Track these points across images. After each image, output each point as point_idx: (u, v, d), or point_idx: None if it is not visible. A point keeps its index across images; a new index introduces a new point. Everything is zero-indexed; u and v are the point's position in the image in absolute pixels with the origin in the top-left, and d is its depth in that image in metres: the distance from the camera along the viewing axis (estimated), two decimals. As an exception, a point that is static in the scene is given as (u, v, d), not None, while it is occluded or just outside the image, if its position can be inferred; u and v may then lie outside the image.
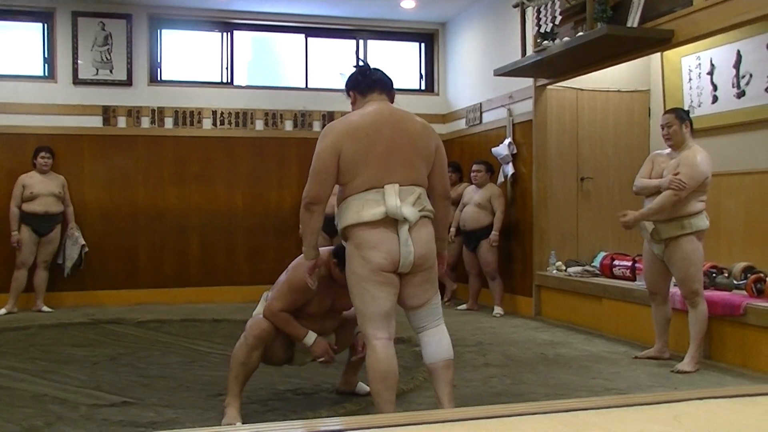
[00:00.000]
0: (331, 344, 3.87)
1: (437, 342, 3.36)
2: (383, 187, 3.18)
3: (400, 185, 3.19)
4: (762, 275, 5.05)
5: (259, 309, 3.89)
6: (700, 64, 6.42)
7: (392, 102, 3.46)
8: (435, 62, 9.37)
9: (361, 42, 9.25)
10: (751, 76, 5.93)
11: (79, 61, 8.27)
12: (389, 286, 3.22)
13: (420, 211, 3.22)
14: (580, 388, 4.38)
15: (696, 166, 4.71)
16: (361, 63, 3.49)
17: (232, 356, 3.76)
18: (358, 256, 3.21)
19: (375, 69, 3.48)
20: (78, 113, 8.24)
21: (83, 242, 7.87)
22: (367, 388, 4.15)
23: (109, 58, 8.36)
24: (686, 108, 6.38)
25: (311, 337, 3.76)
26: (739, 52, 6.02)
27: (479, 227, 7.30)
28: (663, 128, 4.93)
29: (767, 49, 5.75)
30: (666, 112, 5.07)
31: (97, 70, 8.33)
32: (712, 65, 6.29)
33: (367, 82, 3.40)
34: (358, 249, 3.22)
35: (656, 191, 4.84)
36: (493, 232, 7.27)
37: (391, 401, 3.23)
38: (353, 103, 3.48)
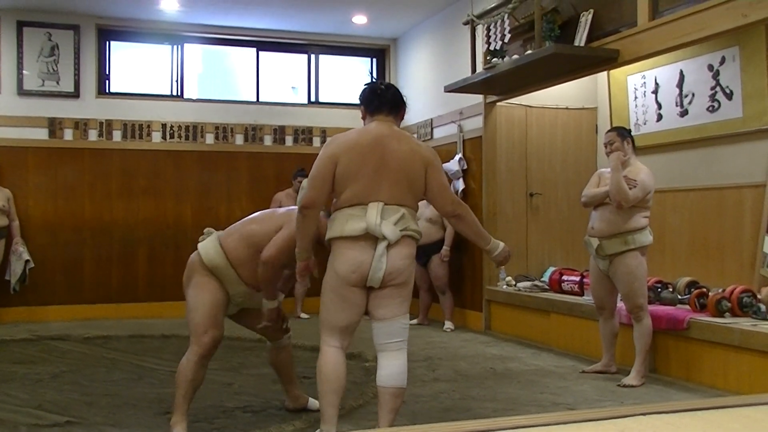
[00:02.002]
0: (282, 311, 3.81)
1: (393, 367, 3.36)
2: (368, 204, 3.28)
3: (385, 204, 3.28)
4: (705, 290, 5.17)
5: (209, 246, 3.76)
6: (645, 82, 6.57)
7: (401, 118, 3.55)
8: (386, 78, 9.39)
9: (312, 56, 9.25)
10: (693, 95, 6.09)
11: (24, 72, 8.10)
12: (353, 305, 3.34)
13: (402, 230, 3.29)
14: (528, 402, 4.41)
15: (642, 183, 4.83)
16: (374, 80, 3.53)
17: (178, 373, 3.70)
18: (332, 268, 3.35)
19: (387, 88, 3.53)
20: (23, 125, 8.08)
21: (28, 257, 7.68)
22: (318, 404, 4.14)
23: (55, 69, 8.21)
24: (632, 125, 6.53)
25: (275, 303, 3.73)
26: (681, 72, 6.18)
27: (430, 242, 7.32)
28: (606, 146, 5.04)
29: (708, 70, 5.91)
30: (608, 131, 5.18)
31: (43, 81, 8.17)
32: (657, 84, 6.44)
33: (377, 103, 3.48)
34: (334, 259, 3.35)
35: (603, 199, 4.95)
36: (444, 247, 7.31)
37: (334, 405, 3.34)
38: (363, 118, 3.56)
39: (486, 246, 3.55)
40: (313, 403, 4.18)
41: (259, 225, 3.80)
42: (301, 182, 8.15)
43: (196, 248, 3.89)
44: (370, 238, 3.26)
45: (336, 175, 3.32)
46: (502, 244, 3.57)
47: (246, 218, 3.96)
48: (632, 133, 5.18)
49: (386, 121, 3.45)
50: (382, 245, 3.25)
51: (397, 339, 3.38)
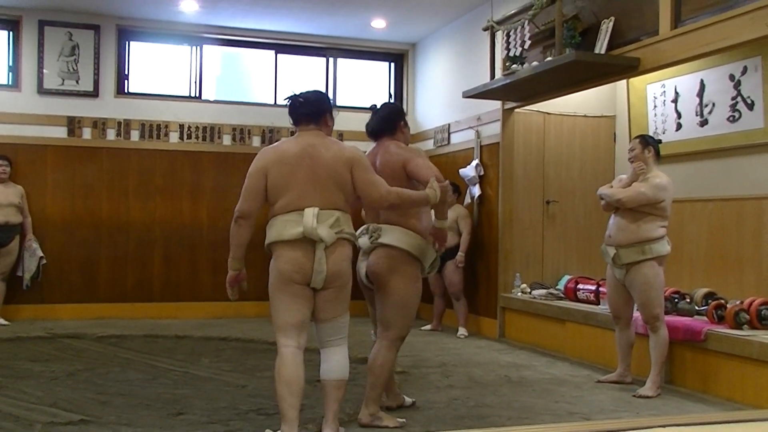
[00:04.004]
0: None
1: (334, 361, 3.64)
2: (303, 210, 3.51)
3: (320, 209, 3.51)
4: (723, 301, 5.13)
5: (399, 233, 3.98)
6: (665, 91, 6.53)
7: (326, 124, 3.74)
8: (404, 82, 9.40)
9: (331, 60, 9.26)
10: (713, 105, 6.04)
11: (44, 71, 8.16)
12: (301, 299, 3.55)
13: (337, 233, 3.53)
14: (543, 411, 4.38)
15: (653, 186, 4.84)
16: (293, 95, 3.76)
17: (380, 368, 3.98)
18: (276, 269, 3.58)
19: (305, 99, 3.73)
20: (42, 123, 8.13)
21: (41, 254, 7.74)
22: (411, 400, 4.41)
23: (75, 68, 8.26)
24: (651, 134, 6.48)
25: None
26: (702, 81, 6.13)
27: (446, 248, 7.27)
28: (629, 152, 5.10)
29: (729, 80, 5.86)
30: (634, 137, 5.22)
31: (63, 80, 8.22)
32: (677, 93, 6.40)
33: (296, 116, 3.74)
34: (276, 262, 3.58)
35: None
36: (459, 253, 7.29)
37: (294, 406, 3.48)
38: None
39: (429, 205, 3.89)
40: (406, 399, 4.42)
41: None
42: None
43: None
44: (308, 241, 3.49)
45: (268, 187, 3.60)
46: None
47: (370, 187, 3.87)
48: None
49: (308, 130, 3.69)
50: (320, 248, 3.49)
51: (338, 336, 3.66)
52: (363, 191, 3.63)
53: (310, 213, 3.49)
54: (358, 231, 4.09)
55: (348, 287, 3.66)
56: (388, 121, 4.17)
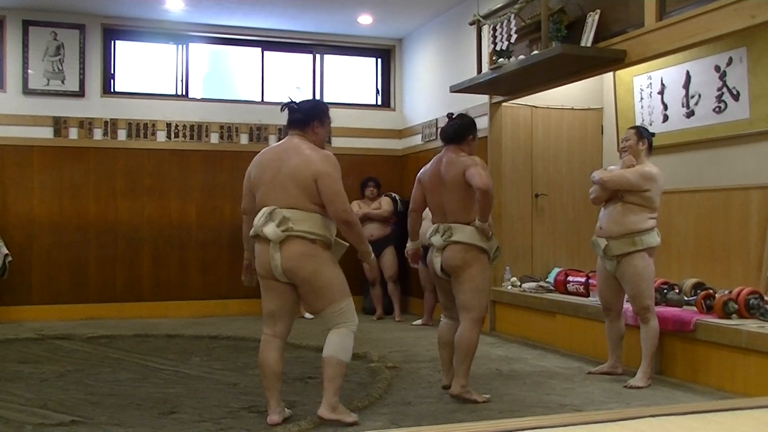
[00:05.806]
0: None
1: (329, 341, 3.87)
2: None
3: (278, 208, 3.79)
4: (711, 291, 5.15)
5: (467, 229, 4.44)
6: (651, 83, 6.55)
7: (314, 131, 4.00)
8: (391, 78, 9.40)
9: (317, 56, 9.24)
10: (699, 96, 6.07)
11: (29, 71, 8.11)
12: (272, 292, 3.91)
13: (284, 231, 3.75)
14: (534, 404, 4.40)
15: (639, 173, 4.87)
16: (289, 101, 4.04)
17: (467, 346, 4.38)
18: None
19: (298, 106, 4.02)
20: (28, 124, 8.09)
21: (6, 251, 7.60)
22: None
23: (61, 68, 8.22)
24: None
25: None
26: (688, 72, 6.16)
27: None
28: (622, 142, 5.12)
29: (715, 71, 5.89)
30: (629, 128, 5.26)
31: (49, 80, 8.18)
32: (663, 85, 6.42)
33: (288, 121, 4.04)
34: None
35: (610, 193, 5.00)
36: (449, 248, 7.29)
37: (268, 388, 3.92)
38: None
39: (362, 253, 4.06)
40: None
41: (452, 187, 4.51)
42: (371, 189, 8.23)
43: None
44: (265, 238, 3.78)
45: (250, 187, 3.98)
46: (373, 257, 4.16)
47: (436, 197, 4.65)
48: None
49: (294, 135, 3.99)
50: (272, 245, 3.76)
51: (335, 323, 3.87)
52: (326, 200, 3.81)
53: (261, 212, 3.81)
54: (429, 231, 4.59)
55: (319, 281, 3.81)
56: (458, 134, 4.66)
